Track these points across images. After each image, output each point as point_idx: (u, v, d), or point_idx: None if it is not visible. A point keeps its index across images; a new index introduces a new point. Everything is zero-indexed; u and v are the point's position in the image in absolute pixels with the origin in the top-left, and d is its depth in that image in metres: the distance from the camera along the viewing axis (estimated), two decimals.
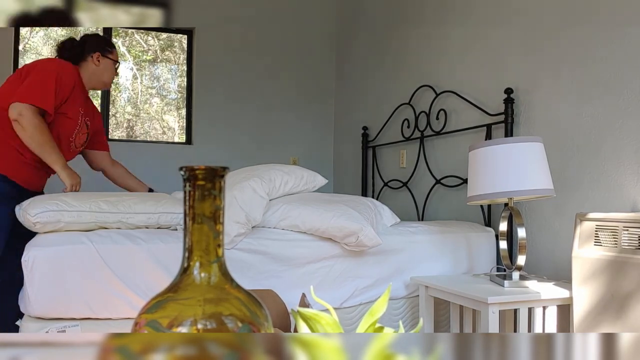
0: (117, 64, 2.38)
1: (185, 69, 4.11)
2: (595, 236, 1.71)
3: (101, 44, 2.32)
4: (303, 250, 2.07)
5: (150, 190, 2.56)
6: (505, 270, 2.40)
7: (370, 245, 2.05)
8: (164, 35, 4.27)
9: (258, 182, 2.06)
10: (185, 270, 0.49)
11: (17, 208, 1.86)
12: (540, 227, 2.34)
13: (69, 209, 1.80)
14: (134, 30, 4.24)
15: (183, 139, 4.19)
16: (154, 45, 4.42)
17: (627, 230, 1.61)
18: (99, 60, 2.30)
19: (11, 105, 1.99)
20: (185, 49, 4.13)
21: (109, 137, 3.90)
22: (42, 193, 2.28)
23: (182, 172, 0.49)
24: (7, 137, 2.06)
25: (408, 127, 3.36)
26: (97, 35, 2.35)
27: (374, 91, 3.82)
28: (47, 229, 1.79)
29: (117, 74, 2.40)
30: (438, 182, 3.02)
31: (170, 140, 4.37)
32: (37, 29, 4.19)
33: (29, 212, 1.75)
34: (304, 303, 1.45)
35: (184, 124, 4.12)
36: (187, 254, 0.49)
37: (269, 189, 2.09)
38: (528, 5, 2.46)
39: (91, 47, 2.29)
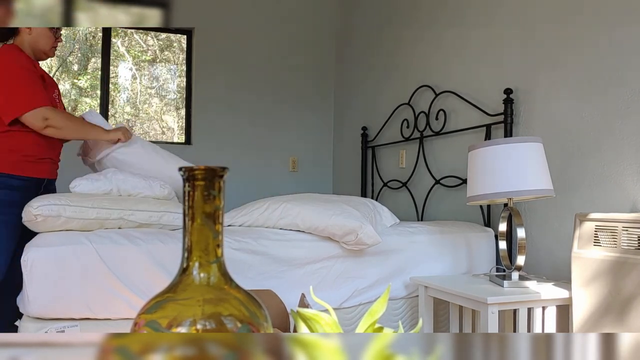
0: (55, 29, 2.15)
1: (185, 69, 4.10)
2: (595, 236, 1.71)
3: None
4: (303, 251, 2.07)
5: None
6: (504, 271, 2.40)
7: (369, 244, 2.04)
8: (163, 35, 4.27)
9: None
10: (184, 271, 0.49)
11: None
12: (540, 228, 2.34)
13: (71, 204, 1.80)
14: (133, 31, 4.24)
15: (182, 139, 4.19)
16: (153, 46, 4.42)
17: (627, 230, 1.61)
18: (30, 28, 2.10)
19: (25, 115, 1.92)
20: (185, 49, 4.13)
21: None
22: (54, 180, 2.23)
23: (181, 173, 0.49)
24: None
25: (407, 127, 3.36)
26: None
27: (373, 91, 3.82)
28: (47, 223, 1.78)
29: (59, 40, 2.18)
30: (437, 182, 3.02)
31: (169, 141, 4.37)
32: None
33: (32, 205, 1.76)
34: (303, 303, 1.45)
35: (184, 124, 4.12)
36: (186, 254, 0.49)
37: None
38: (527, 6, 2.46)
39: None
